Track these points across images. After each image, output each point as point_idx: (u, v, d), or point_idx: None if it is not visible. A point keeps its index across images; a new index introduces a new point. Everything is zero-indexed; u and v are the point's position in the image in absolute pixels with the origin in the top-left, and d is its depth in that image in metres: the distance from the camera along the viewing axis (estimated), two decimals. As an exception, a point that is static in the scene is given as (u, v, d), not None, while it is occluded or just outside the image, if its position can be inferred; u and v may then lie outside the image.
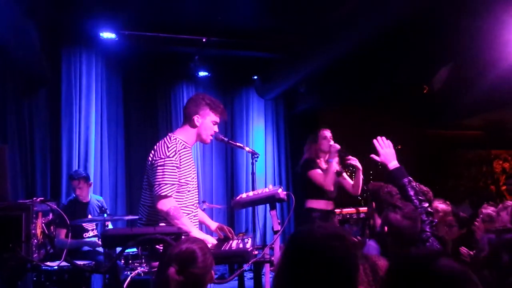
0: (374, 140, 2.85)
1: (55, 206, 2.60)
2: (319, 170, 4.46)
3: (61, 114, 5.94)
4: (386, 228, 2.53)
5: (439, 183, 8.01)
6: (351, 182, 4.54)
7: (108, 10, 5.38)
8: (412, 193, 2.66)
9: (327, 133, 4.59)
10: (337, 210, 5.24)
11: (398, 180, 2.73)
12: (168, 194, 2.94)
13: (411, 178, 2.71)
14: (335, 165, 4.43)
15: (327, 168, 4.42)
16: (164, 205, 2.93)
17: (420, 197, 2.66)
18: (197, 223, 3.26)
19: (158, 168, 2.97)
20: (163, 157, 2.98)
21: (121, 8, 5.34)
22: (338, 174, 4.49)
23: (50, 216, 2.62)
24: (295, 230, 1.49)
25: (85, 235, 4.92)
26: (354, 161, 4.40)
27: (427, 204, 2.67)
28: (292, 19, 5.72)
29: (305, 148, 4.73)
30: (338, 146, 4.42)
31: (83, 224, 4.91)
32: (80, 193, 4.95)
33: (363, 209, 5.16)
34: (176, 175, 3.00)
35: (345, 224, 5.14)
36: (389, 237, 2.53)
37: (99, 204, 5.14)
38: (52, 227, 2.56)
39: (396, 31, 5.13)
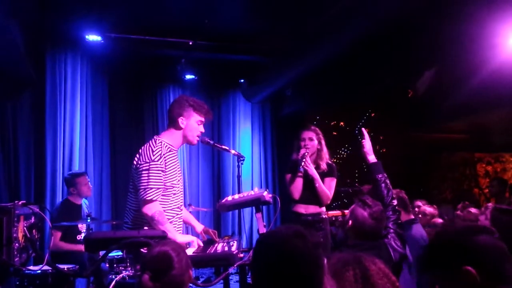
0: (363, 129, 3.05)
1: (37, 209, 2.57)
2: (290, 175, 4.19)
3: (46, 117, 5.86)
4: (350, 222, 2.57)
5: (424, 186, 8.10)
6: (326, 190, 4.14)
7: (94, 12, 5.34)
8: (384, 188, 2.79)
9: (306, 135, 4.21)
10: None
11: (374, 174, 2.85)
12: (154, 199, 2.94)
13: (386, 175, 2.85)
14: (314, 172, 4.10)
15: (295, 176, 4.13)
16: (149, 209, 2.92)
17: (391, 194, 2.79)
18: (181, 225, 3.25)
19: (143, 172, 2.96)
20: (148, 161, 2.97)
21: (107, 10, 5.30)
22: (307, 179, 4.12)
23: (33, 219, 2.59)
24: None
25: (78, 237, 4.88)
26: (309, 169, 4.08)
27: (396, 202, 2.80)
28: (279, 23, 5.74)
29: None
30: (302, 152, 4.09)
31: (79, 226, 4.89)
32: (88, 190, 4.93)
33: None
34: (161, 179, 2.99)
35: (331, 227, 5.16)
36: (351, 231, 2.59)
37: (87, 206, 5.13)
38: (34, 230, 2.53)
39: (381, 35, 5.17)
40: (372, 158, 2.93)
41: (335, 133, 8.13)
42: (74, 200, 4.92)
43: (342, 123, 8.34)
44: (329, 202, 4.20)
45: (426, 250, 1.62)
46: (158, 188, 2.96)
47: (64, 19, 5.46)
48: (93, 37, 5.67)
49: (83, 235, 4.95)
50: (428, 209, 4.25)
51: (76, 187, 4.89)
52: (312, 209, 4.13)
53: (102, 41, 5.73)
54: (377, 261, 1.57)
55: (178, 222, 3.16)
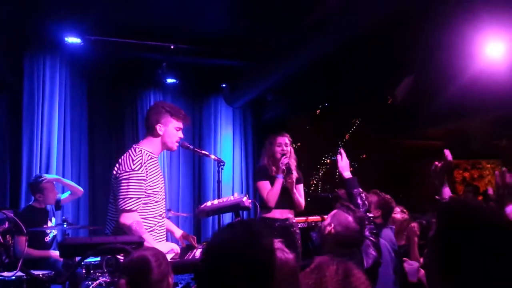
0: (341, 150, 3.20)
1: (12, 215, 2.51)
2: (267, 182, 4.16)
3: (22, 121, 5.74)
4: (332, 226, 2.56)
5: (403, 192, 8.17)
6: (300, 198, 4.20)
7: (73, 14, 5.27)
8: (360, 202, 2.92)
9: (282, 140, 4.21)
10: (302, 218, 5.29)
11: (350, 189, 3.01)
12: (133, 208, 2.89)
13: (361, 190, 3.01)
14: (293, 179, 4.12)
15: (274, 184, 4.10)
16: (127, 219, 2.87)
17: (366, 207, 2.92)
18: (164, 233, 3.21)
19: (123, 181, 2.92)
20: (128, 170, 2.93)
21: (87, 12, 5.24)
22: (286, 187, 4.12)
23: (6, 224, 2.53)
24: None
25: (46, 238, 4.76)
26: (294, 174, 4.10)
27: (371, 214, 2.99)
28: (261, 28, 5.75)
29: (262, 153, 4.46)
30: (285, 161, 4.07)
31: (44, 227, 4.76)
32: (54, 198, 4.80)
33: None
34: (141, 189, 2.95)
35: (310, 232, 5.17)
36: (330, 237, 2.56)
37: (52, 208, 4.98)
38: (8, 236, 2.47)
39: (361, 41, 5.23)
40: (347, 174, 3.07)
41: (315, 139, 8.16)
42: (38, 205, 4.74)
43: (323, 129, 8.37)
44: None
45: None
46: (138, 198, 2.92)
47: (43, 20, 5.38)
48: (72, 39, 5.59)
49: (50, 235, 4.80)
50: (398, 215, 4.20)
51: (43, 193, 4.72)
52: (286, 213, 4.17)
53: (82, 44, 5.65)
54: (361, 271, 1.57)
55: (160, 230, 3.12)
